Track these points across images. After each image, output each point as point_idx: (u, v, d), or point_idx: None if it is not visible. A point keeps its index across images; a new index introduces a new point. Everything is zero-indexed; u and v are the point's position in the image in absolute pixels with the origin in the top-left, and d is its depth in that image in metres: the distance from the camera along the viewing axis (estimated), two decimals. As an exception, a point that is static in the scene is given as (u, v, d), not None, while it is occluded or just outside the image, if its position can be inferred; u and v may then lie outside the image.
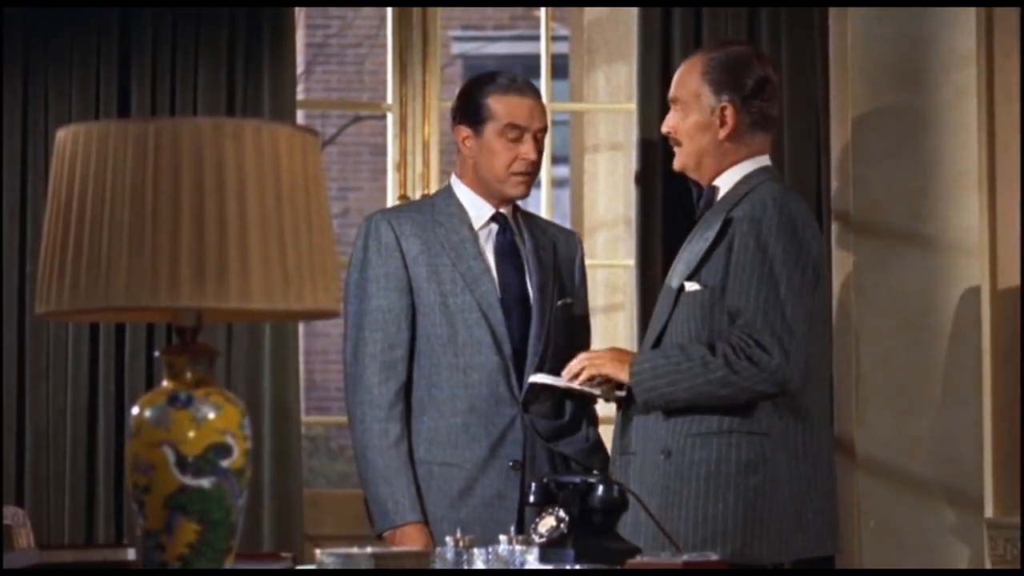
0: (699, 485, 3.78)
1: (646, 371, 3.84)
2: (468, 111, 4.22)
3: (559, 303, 4.25)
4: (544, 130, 4.23)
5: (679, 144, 4.02)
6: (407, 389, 4.17)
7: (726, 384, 3.76)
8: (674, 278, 3.95)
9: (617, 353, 3.97)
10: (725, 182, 3.98)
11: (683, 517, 3.71)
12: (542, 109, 4.24)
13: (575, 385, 3.98)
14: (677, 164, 4.06)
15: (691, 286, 3.88)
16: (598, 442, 4.27)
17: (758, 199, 3.85)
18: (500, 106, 4.19)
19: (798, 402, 3.84)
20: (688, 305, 3.87)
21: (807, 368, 3.81)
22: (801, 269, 3.80)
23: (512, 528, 3.48)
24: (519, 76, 4.28)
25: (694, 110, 3.99)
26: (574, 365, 3.97)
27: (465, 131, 4.23)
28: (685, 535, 3.67)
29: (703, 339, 3.83)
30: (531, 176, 4.22)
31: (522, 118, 4.18)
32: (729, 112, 3.95)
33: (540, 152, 4.22)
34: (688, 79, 4.01)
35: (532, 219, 4.37)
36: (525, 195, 4.25)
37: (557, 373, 4.09)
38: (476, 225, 4.24)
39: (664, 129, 4.07)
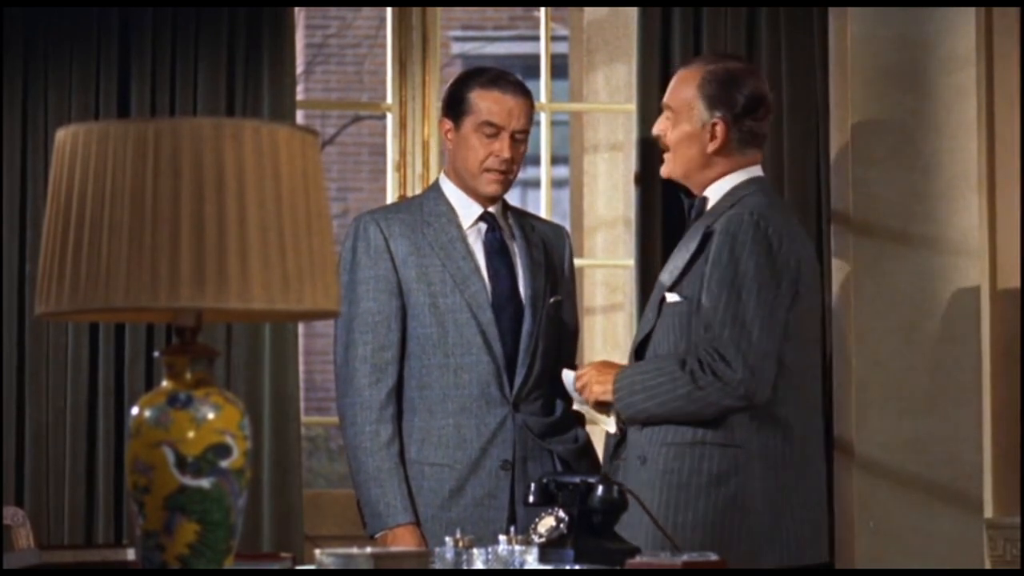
0: (669, 495, 3.80)
1: (625, 387, 3.88)
2: (452, 103, 4.22)
3: (550, 300, 4.25)
4: (524, 132, 4.18)
5: (667, 150, 4.03)
6: (398, 390, 4.17)
7: (692, 400, 3.79)
8: (659, 288, 3.97)
9: (602, 370, 3.97)
10: (714, 193, 4.00)
11: (651, 524, 3.70)
12: (525, 110, 4.18)
13: (588, 409, 4.02)
14: (665, 171, 4.07)
15: (672, 297, 3.90)
16: (587, 444, 4.28)
17: (735, 213, 3.87)
18: (480, 101, 4.18)
19: (777, 414, 3.84)
20: (669, 316, 3.90)
21: (787, 381, 3.83)
22: (775, 284, 3.81)
23: (511, 528, 3.48)
24: (510, 75, 4.24)
25: (685, 120, 3.99)
26: (578, 387, 3.99)
27: (447, 124, 4.22)
28: (652, 543, 3.66)
29: (681, 350, 3.85)
30: (506, 175, 4.18)
31: (499, 116, 4.16)
32: (719, 128, 3.97)
33: (518, 152, 4.18)
34: (683, 89, 4.01)
35: (522, 216, 4.36)
36: (498, 194, 4.21)
37: (545, 370, 4.14)
38: (464, 224, 4.23)
39: (654, 132, 4.08)
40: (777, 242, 3.84)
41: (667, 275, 3.95)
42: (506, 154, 4.15)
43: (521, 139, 4.18)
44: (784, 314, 3.83)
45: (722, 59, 4.09)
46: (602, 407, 3.96)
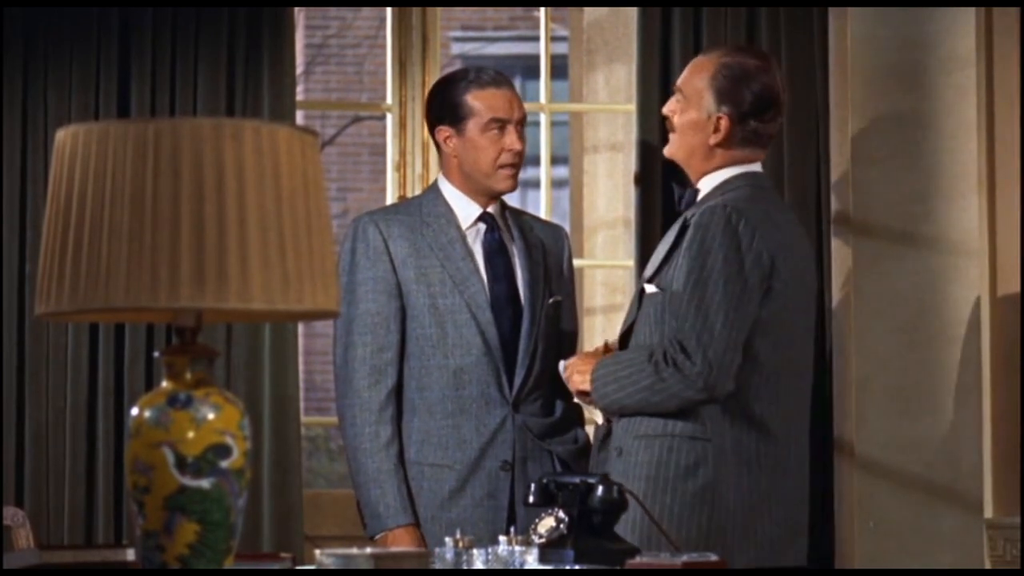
0: (639, 487, 3.79)
1: (600, 378, 3.90)
2: (446, 111, 4.23)
3: (549, 301, 4.26)
4: (523, 119, 4.25)
5: (673, 131, 4.05)
6: (398, 391, 4.17)
7: (655, 391, 3.80)
8: (643, 279, 3.99)
9: (585, 360, 3.99)
10: (706, 185, 4.01)
11: (623, 517, 3.69)
12: (519, 99, 4.26)
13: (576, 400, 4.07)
14: (668, 152, 4.09)
15: (650, 288, 3.92)
16: (587, 444, 4.28)
17: (709, 206, 3.87)
18: (479, 102, 4.20)
19: (751, 411, 3.83)
20: (648, 307, 3.91)
21: (762, 378, 3.82)
22: (742, 278, 3.80)
23: (511, 528, 3.48)
24: (491, 70, 4.29)
25: (693, 107, 4.01)
26: (564, 378, 4.01)
27: (446, 131, 4.23)
28: (624, 535, 3.65)
29: (655, 342, 3.85)
30: (517, 168, 4.23)
31: (503, 111, 4.20)
32: (723, 123, 3.97)
33: (524, 142, 4.23)
34: (696, 76, 4.02)
35: (520, 216, 4.37)
36: (513, 189, 4.25)
37: (544, 371, 4.17)
38: (464, 225, 4.24)
39: (664, 111, 4.10)
40: (748, 236, 3.83)
41: (649, 267, 3.97)
42: (518, 145, 4.20)
43: (522, 128, 4.23)
44: (752, 309, 3.82)
45: (740, 53, 4.07)
46: (584, 397, 3.98)
